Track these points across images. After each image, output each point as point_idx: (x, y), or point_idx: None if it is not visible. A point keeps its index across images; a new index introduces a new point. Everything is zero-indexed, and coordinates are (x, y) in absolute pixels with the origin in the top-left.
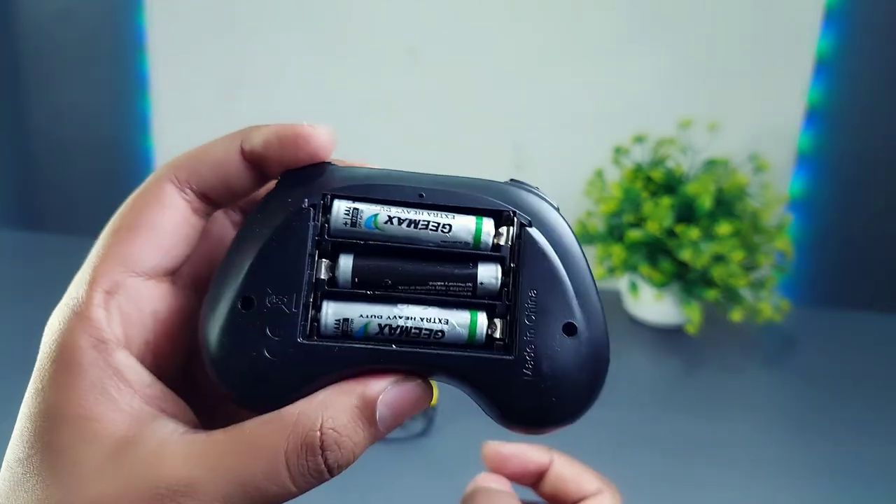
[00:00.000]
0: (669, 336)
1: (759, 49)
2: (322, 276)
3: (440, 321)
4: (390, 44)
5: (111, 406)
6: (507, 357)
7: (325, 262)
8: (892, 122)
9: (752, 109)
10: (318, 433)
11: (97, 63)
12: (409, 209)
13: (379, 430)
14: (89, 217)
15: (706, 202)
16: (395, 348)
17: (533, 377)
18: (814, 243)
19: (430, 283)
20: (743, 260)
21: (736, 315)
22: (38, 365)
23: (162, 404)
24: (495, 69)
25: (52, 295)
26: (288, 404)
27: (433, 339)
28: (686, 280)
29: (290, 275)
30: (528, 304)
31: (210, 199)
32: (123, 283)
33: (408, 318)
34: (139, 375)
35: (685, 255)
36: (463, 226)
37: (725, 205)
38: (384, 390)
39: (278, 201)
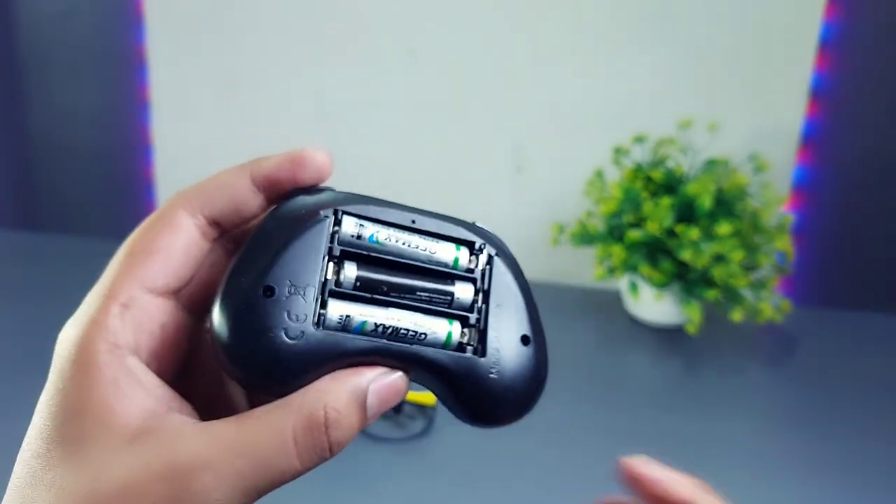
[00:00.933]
0: (669, 336)
1: (759, 49)
2: (330, 277)
3: (423, 326)
4: (390, 44)
5: (127, 402)
6: (479, 358)
7: (332, 265)
8: (893, 121)
9: (752, 109)
10: (323, 412)
11: (97, 64)
12: (403, 232)
13: (367, 415)
14: (89, 218)
15: (706, 202)
16: (387, 343)
17: (498, 376)
18: (814, 243)
19: (418, 293)
20: (743, 260)
21: (736, 315)
22: (56, 368)
23: (170, 403)
24: (495, 69)
25: (51, 295)
26: (295, 387)
27: (417, 339)
28: (686, 280)
29: (307, 272)
30: (495, 318)
31: (219, 224)
32: (138, 298)
33: (398, 320)
34: (149, 377)
35: (685, 255)
36: (445, 251)
37: (725, 205)
38: (373, 380)
39: (293, 210)
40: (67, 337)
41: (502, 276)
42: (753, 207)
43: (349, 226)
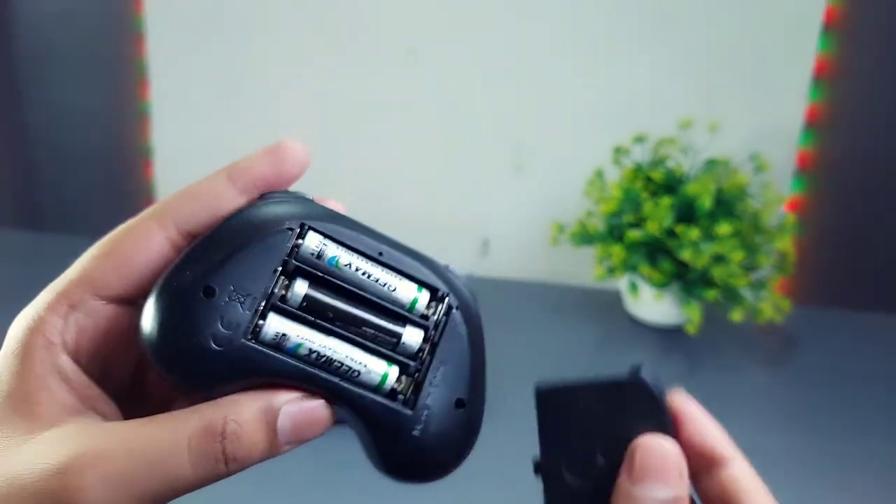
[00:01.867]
0: (669, 336)
1: (760, 49)
2: (276, 291)
3: (360, 363)
4: (390, 44)
5: (47, 396)
6: (406, 411)
7: (283, 279)
8: (893, 122)
9: (752, 109)
10: (222, 422)
11: (97, 64)
12: (367, 261)
13: (278, 440)
14: (88, 217)
15: (706, 202)
16: (316, 371)
17: (421, 436)
18: (814, 243)
19: (364, 327)
20: (743, 260)
21: (736, 315)
22: (1, 353)
23: (95, 404)
24: (495, 69)
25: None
26: (217, 395)
27: (349, 375)
28: (686, 280)
29: (254, 280)
30: (435, 373)
31: (196, 236)
32: (86, 302)
33: (335, 351)
34: (78, 377)
35: (685, 255)
36: (405, 290)
37: (725, 205)
38: (288, 402)
39: (257, 215)
40: (16, 324)
41: (456, 330)
42: (753, 207)
43: (312, 242)
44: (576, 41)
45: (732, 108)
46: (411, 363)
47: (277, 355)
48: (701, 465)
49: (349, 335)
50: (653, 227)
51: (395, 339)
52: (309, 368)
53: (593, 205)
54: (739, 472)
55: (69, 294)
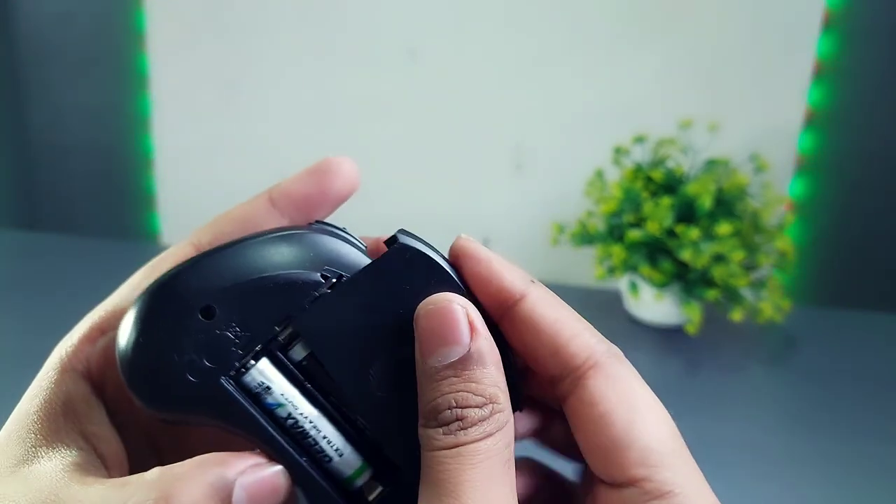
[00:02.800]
0: (669, 336)
1: (760, 49)
2: (279, 339)
3: (336, 450)
4: (390, 44)
5: (45, 428)
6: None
7: (291, 329)
8: (893, 121)
9: (752, 109)
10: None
11: (97, 64)
12: None
13: None
14: (89, 218)
15: (706, 202)
16: (284, 439)
17: None
18: (814, 243)
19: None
20: (743, 260)
21: (736, 315)
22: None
23: (99, 442)
24: (495, 69)
25: (50, 294)
26: (180, 423)
27: (320, 457)
28: (686, 280)
29: (260, 318)
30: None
31: None
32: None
33: (315, 428)
34: (90, 410)
35: (685, 255)
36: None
37: (725, 205)
38: (244, 472)
39: (297, 243)
40: (56, 348)
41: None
42: (753, 207)
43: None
44: (576, 41)
45: (732, 108)
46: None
47: (252, 410)
48: (500, 308)
49: (336, 416)
50: (653, 227)
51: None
52: (278, 436)
53: (593, 205)
54: (534, 303)
55: (102, 324)
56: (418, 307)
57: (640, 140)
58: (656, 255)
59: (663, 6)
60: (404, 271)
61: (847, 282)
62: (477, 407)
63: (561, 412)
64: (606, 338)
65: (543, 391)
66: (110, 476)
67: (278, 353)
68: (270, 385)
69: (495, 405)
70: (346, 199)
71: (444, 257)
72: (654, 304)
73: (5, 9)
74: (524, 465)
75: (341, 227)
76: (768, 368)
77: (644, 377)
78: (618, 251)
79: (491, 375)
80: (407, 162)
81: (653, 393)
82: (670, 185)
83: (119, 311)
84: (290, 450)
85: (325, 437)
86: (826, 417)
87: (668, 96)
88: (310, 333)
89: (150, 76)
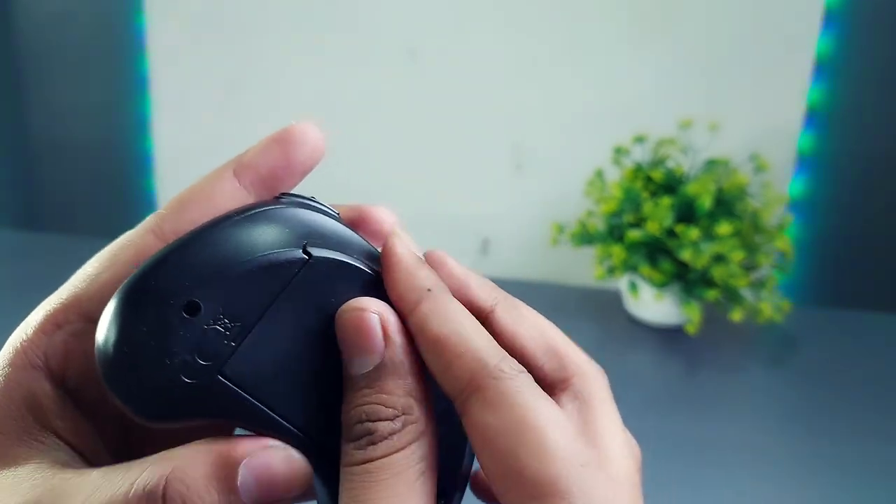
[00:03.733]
0: (669, 336)
1: (759, 49)
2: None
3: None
4: (390, 44)
5: (17, 426)
6: None
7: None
8: (893, 121)
9: (752, 109)
10: (163, 483)
11: (97, 63)
12: None
13: (241, 498)
14: (89, 217)
15: (706, 202)
16: (292, 427)
17: None
18: (814, 243)
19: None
20: (743, 260)
21: (736, 315)
22: None
23: (73, 437)
24: (495, 69)
25: (49, 294)
26: (171, 426)
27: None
28: (686, 280)
29: (247, 307)
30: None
31: None
32: (75, 323)
33: None
34: (56, 406)
35: (685, 255)
36: None
37: (725, 205)
38: (252, 454)
39: (274, 220)
40: (10, 342)
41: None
42: (753, 207)
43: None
44: (576, 41)
45: (732, 108)
46: None
47: (253, 400)
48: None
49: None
50: (653, 227)
51: None
52: (286, 423)
53: (593, 205)
54: (499, 317)
55: (57, 316)
56: (336, 314)
57: (640, 140)
58: (656, 255)
59: (663, 6)
60: (325, 283)
61: (847, 282)
62: (387, 420)
63: None
64: (606, 338)
65: None
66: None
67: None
68: None
69: (407, 416)
70: (313, 168)
71: (358, 258)
72: (654, 304)
73: (5, 9)
74: None
75: (309, 196)
76: (768, 368)
77: (644, 377)
78: (618, 251)
79: (405, 385)
80: (407, 162)
81: (553, 407)
82: (670, 185)
83: (73, 301)
84: (301, 435)
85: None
86: (826, 417)
87: (668, 96)
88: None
89: (150, 76)
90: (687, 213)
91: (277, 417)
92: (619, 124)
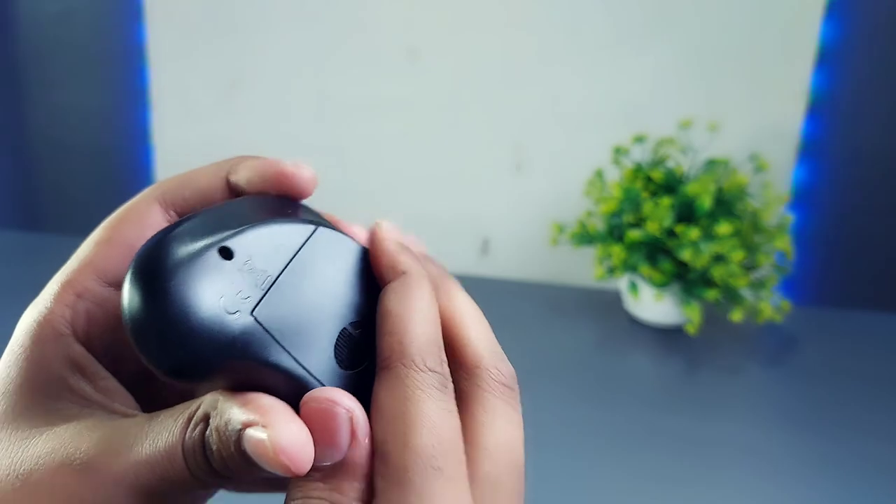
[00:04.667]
0: (669, 336)
1: (759, 49)
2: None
3: None
4: (391, 44)
5: (65, 388)
6: None
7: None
8: (893, 121)
9: (752, 109)
10: (205, 417)
11: (97, 65)
12: None
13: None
14: (88, 218)
15: (706, 202)
16: (314, 378)
17: None
18: (814, 243)
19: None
20: (743, 260)
21: (736, 315)
22: (8, 349)
23: (114, 397)
24: (495, 69)
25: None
26: (203, 383)
27: None
28: (686, 280)
29: (272, 257)
30: None
31: None
32: (94, 289)
33: None
34: (93, 367)
35: (685, 255)
36: None
37: (725, 205)
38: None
39: (284, 202)
40: (22, 320)
41: None
42: (753, 207)
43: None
44: (576, 41)
45: (732, 108)
46: None
47: (283, 346)
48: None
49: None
50: (653, 227)
51: None
52: (308, 376)
53: (593, 205)
54: (386, 298)
55: (74, 283)
56: (305, 400)
57: (640, 140)
58: (656, 255)
59: (663, 7)
60: (329, 253)
61: (847, 282)
62: None
63: None
64: (606, 338)
65: None
66: None
67: None
68: None
69: None
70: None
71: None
72: (654, 304)
73: (5, 9)
74: None
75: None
76: (768, 368)
77: (644, 377)
78: (618, 251)
79: (358, 489)
80: (407, 162)
81: (439, 410)
82: (670, 185)
83: (88, 267)
84: (320, 383)
85: None
86: (826, 417)
87: (668, 96)
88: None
89: (150, 76)
90: (687, 213)
91: (302, 367)
92: (619, 124)
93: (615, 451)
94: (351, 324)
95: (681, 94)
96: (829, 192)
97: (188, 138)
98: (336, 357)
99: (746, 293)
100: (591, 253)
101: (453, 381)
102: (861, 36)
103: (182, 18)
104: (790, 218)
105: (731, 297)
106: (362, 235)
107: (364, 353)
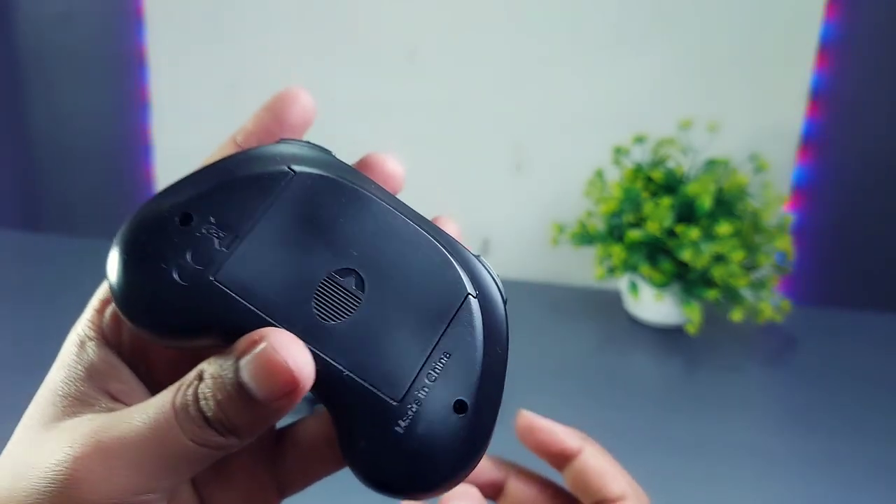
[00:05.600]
0: (669, 336)
1: (759, 48)
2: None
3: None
4: (390, 44)
5: (79, 390)
6: (391, 400)
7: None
8: (894, 122)
9: (752, 109)
10: (193, 374)
11: (98, 65)
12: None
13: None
14: (89, 219)
15: (706, 202)
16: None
17: (404, 434)
18: (814, 243)
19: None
20: (743, 260)
21: (736, 315)
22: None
23: (127, 398)
24: (495, 69)
25: (52, 295)
26: (176, 342)
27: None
28: (686, 280)
29: (238, 217)
30: (435, 363)
31: None
32: None
33: None
34: (113, 369)
35: (685, 255)
36: None
37: (725, 205)
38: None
39: (257, 153)
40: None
41: (471, 320)
42: (753, 207)
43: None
44: (576, 41)
45: (732, 108)
46: None
47: (248, 304)
48: (558, 463)
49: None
50: (653, 227)
51: None
52: (280, 326)
53: (593, 205)
54: (587, 457)
55: (107, 294)
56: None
57: (640, 140)
58: (656, 255)
59: (663, 6)
60: (311, 195)
61: (847, 282)
62: (220, 435)
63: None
64: (606, 338)
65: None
66: None
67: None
68: None
69: (229, 441)
70: (305, 128)
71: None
72: (654, 304)
73: (5, 9)
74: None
75: (305, 140)
76: (768, 368)
77: (644, 377)
78: (618, 251)
79: (253, 423)
80: (407, 161)
81: None
82: (670, 185)
83: None
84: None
85: None
86: (826, 417)
87: (668, 96)
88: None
89: (150, 77)
90: (687, 213)
91: (273, 322)
92: (619, 124)
93: (615, 451)
94: (337, 270)
95: (681, 94)
96: (829, 192)
97: (188, 139)
98: (318, 307)
99: (746, 293)
100: (591, 253)
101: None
102: (862, 36)
103: (182, 20)
104: (790, 218)
105: (732, 297)
106: (396, 168)
107: (351, 302)
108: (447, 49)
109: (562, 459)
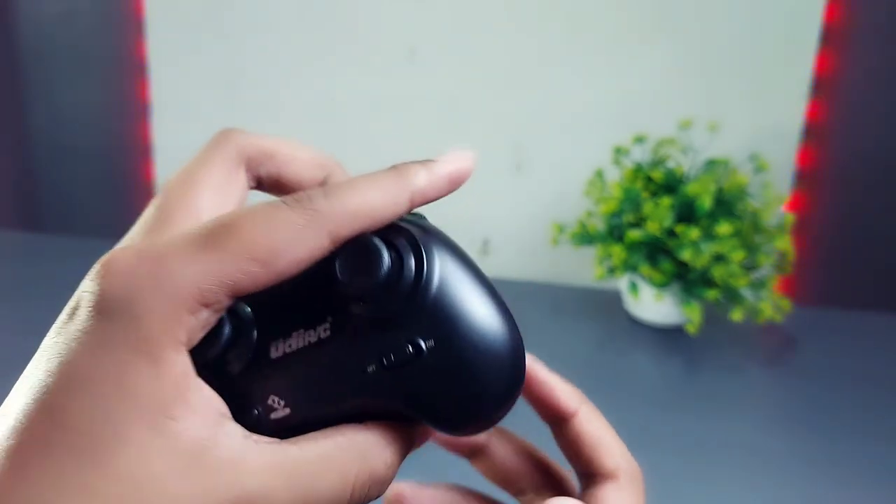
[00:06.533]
0: (669, 336)
1: (760, 49)
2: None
3: None
4: (391, 44)
5: (187, 407)
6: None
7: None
8: (894, 122)
9: (752, 109)
10: (383, 467)
11: (98, 65)
12: None
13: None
14: (90, 218)
15: (706, 202)
16: None
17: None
18: (814, 243)
19: None
20: (743, 260)
21: (736, 315)
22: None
23: (221, 407)
24: (495, 69)
25: (52, 295)
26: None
27: None
28: (686, 280)
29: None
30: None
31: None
32: (221, 303)
33: None
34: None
35: (685, 255)
36: None
37: (725, 205)
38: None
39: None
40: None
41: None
42: (753, 207)
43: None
44: (576, 41)
45: (732, 108)
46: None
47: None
48: (553, 421)
49: None
50: (653, 227)
51: None
52: None
53: (593, 205)
54: (582, 422)
55: (207, 293)
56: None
57: (640, 140)
58: (656, 255)
59: (663, 6)
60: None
61: (847, 282)
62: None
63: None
64: (606, 338)
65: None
66: None
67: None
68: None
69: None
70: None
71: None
72: (654, 304)
73: (5, 8)
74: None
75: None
76: (768, 368)
77: (644, 377)
78: (618, 251)
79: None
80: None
81: None
82: (670, 185)
83: (211, 277)
84: None
85: None
86: (826, 417)
87: (668, 96)
88: None
89: (151, 76)
90: (687, 213)
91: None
92: (619, 124)
93: None
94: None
95: (681, 94)
96: (829, 192)
97: (188, 139)
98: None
99: (746, 293)
100: (591, 253)
101: (596, 476)
102: (862, 36)
103: (182, 21)
104: (790, 218)
105: (732, 296)
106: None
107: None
108: (447, 49)
109: (557, 418)
